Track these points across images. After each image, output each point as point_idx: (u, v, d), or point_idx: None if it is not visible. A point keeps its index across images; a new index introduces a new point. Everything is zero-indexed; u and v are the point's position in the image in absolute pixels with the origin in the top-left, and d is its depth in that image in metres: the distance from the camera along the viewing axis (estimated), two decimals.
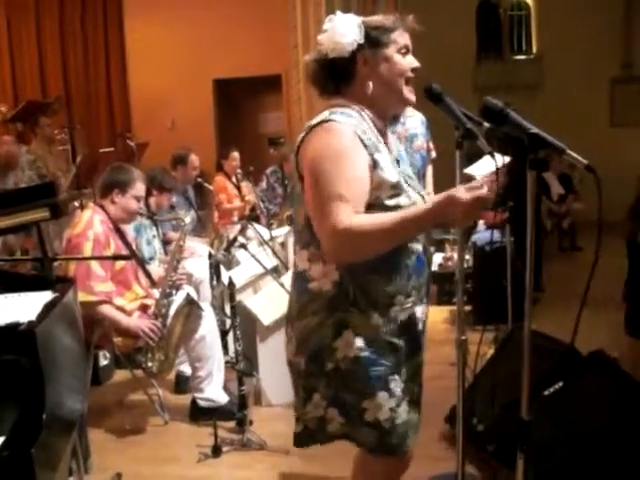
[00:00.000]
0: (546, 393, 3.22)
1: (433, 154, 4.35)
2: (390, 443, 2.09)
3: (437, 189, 4.59)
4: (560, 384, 3.25)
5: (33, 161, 6.93)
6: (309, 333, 2.07)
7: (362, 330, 2.02)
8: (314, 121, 2.03)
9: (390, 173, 2.03)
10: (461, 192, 1.88)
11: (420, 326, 2.18)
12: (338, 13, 2.09)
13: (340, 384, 2.05)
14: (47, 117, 7.62)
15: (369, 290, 2.03)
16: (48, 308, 2.30)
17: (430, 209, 1.92)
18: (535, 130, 1.75)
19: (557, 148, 1.74)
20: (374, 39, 2.06)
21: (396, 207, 2.01)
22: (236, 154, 7.26)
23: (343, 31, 2.03)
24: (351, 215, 1.91)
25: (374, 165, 1.99)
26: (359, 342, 2.02)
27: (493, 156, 2.05)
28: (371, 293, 2.03)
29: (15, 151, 6.74)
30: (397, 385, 2.07)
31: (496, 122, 1.88)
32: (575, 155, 1.73)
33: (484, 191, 1.88)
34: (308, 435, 2.15)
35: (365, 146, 1.99)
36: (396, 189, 2.03)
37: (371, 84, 2.07)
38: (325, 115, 2.02)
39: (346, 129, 1.98)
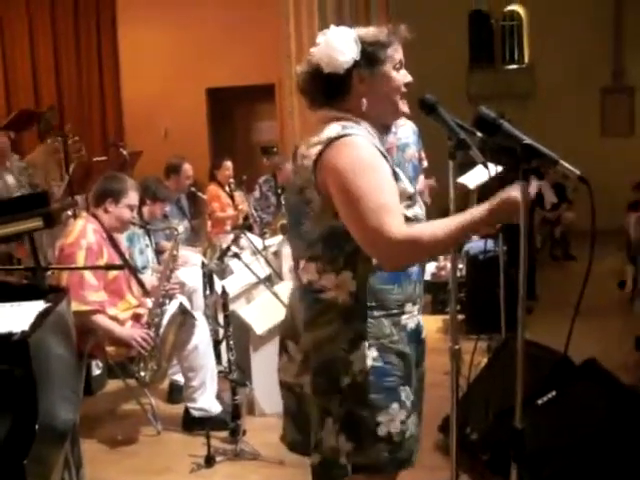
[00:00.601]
0: (539, 402, 3.23)
1: (425, 163, 4.36)
2: (401, 457, 2.07)
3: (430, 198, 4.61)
4: (553, 393, 3.26)
5: (24, 168, 6.90)
6: (320, 345, 2.03)
7: (376, 340, 2.01)
8: (327, 135, 1.98)
9: (407, 184, 2.04)
10: (514, 193, 1.90)
11: (423, 334, 2.19)
12: (332, 27, 2.06)
13: (355, 399, 2.00)
14: (57, 138, 7.52)
15: (382, 299, 2.02)
16: (41, 318, 2.30)
17: (489, 211, 1.92)
18: (528, 141, 1.76)
19: (550, 159, 1.75)
20: (371, 56, 2.03)
21: (415, 218, 2.01)
22: (229, 163, 7.26)
23: (340, 48, 1.99)
24: (402, 223, 1.89)
25: (395, 176, 2.00)
26: (374, 352, 2.00)
27: (486, 166, 2.06)
28: (384, 301, 2.02)
29: (3, 144, 6.67)
30: (407, 397, 2.06)
31: (489, 132, 1.89)
32: (568, 166, 1.74)
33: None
34: (326, 468, 2.07)
35: (385, 158, 1.99)
36: (411, 200, 2.03)
37: (365, 101, 2.05)
38: (338, 130, 1.98)
39: (367, 143, 1.97)
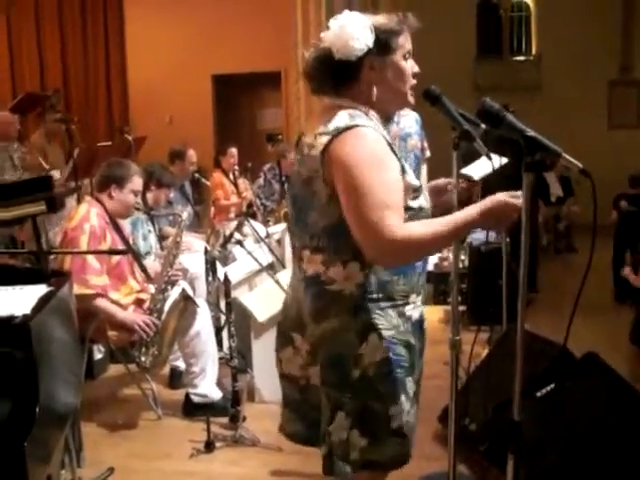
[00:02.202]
0: (539, 394, 3.23)
1: (427, 153, 4.36)
2: (407, 451, 2.08)
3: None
4: (553, 385, 3.26)
5: (27, 152, 6.91)
6: (329, 338, 2.02)
7: (385, 331, 2.00)
8: (335, 125, 1.95)
9: (412, 177, 2.02)
10: (509, 198, 1.91)
11: (425, 325, 2.19)
12: (346, 12, 2.02)
13: (367, 392, 2.00)
14: (54, 112, 7.58)
15: (389, 289, 2.02)
16: (43, 301, 2.31)
17: (481, 213, 1.91)
18: (532, 133, 1.75)
19: (553, 151, 1.74)
20: (383, 44, 2.00)
21: (420, 208, 2.01)
22: (234, 150, 7.25)
23: (355, 34, 1.95)
24: (402, 223, 1.88)
25: (402, 170, 1.97)
26: (383, 344, 1.99)
27: (490, 157, 2.06)
28: (391, 293, 2.02)
29: (11, 120, 6.69)
30: (411, 387, 2.06)
31: (493, 124, 1.88)
32: (570, 159, 1.73)
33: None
34: (333, 462, 2.07)
35: (393, 151, 1.97)
36: (417, 191, 2.02)
37: (377, 88, 2.03)
38: (346, 120, 1.95)
39: (376, 134, 1.95)
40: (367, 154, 1.90)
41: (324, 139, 1.95)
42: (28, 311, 2.17)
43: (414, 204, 2.00)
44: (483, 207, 1.92)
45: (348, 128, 1.93)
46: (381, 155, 1.92)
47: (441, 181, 2.44)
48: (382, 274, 2.00)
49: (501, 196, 1.93)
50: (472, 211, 1.93)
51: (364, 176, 1.87)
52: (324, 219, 1.99)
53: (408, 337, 2.04)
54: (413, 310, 2.08)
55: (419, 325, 2.11)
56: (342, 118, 1.97)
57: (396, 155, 1.98)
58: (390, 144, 1.99)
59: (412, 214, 1.97)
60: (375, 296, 2.00)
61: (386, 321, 2.00)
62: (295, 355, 2.13)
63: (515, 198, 1.93)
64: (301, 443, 2.27)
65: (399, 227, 1.85)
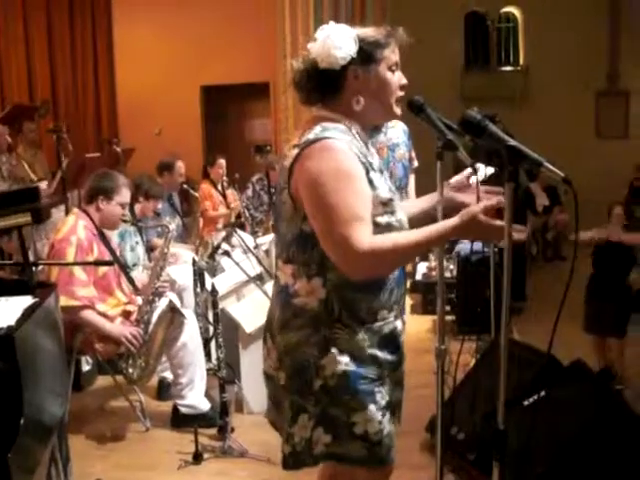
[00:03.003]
0: (526, 403, 3.24)
1: (415, 163, 4.38)
2: (380, 454, 2.09)
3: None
4: (540, 394, 3.27)
5: (16, 165, 6.90)
6: (292, 349, 2.05)
7: (347, 346, 2.01)
8: (306, 137, 1.98)
9: (382, 190, 2.03)
10: (481, 215, 1.88)
11: (401, 338, 2.18)
12: (331, 23, 2.06)
13: (329, 401, 2.03)
14: (32, 122, 7.58)
15: (354, 307, 2.02)
16: (28, 313, 2.30)
17: (452, 229, 1.91)
18: (513, 142, 1.76)
19: (535, 160, 1.75)
20: (367, 54, 2.03)
21: (388, 225, 2.01)
22: (222, 161, 7.26)
23: (338, 44, 1.99)
24: (370, 235, 1.90)
25: (370, 183, 1.98)
26: (345, 358, 2.01)
27: (474, 167, 2.07)
28: (356, 310, 2.02)
29: (1, 132, 6.68)
30: (383, 397, 2.07)
31: (475, 134, 1.89)
32: (552, 168, 1.74)
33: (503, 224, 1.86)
34: (296, 457, 2.11)
35: (362, 163, 1.98)
36: (387, 206, 2.02)
37: (362, 99, 2.05)
38: (317, 132, 1.98)
39: (345, 147, 1.96)
40: (333, 167, 1.92)
41: (294, 152, 1.99)
42: (12, 322, 2.17)
43: (381, 220, 2.00)
44: (455, 223, 1.92)
45: (316, 140, 1.96)
46: (347, 167, 1.94)
47: (461, 177, 2.39)
48: (346, 291, 2.01)
49: (475, 210, 1.90)
50: (444, 226, 1.94)
51: (330, 189, 1.89)
52: (291, 229, 2.03)
53: (374, 351, 2.05)
54: (383, 326, 2.08)
55: (390, 339, 2.11)
56: (315, 130, 2.00)
57: (366, 168, 1.99)
58: (361, 159, 1.99)
59: (378, 230, 1.97)
60: (337, 312, 2.01)
61: (349, 336, 2.02)
62: (269, 356, 2.17)
63: (488, 210, 1.90)
64: (277, 431, 2.28)
65: (365, 240, 1.88)
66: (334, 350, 2.01)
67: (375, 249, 1.88)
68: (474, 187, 2.20)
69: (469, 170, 2.33)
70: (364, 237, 1.88)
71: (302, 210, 1.97)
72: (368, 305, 2.04)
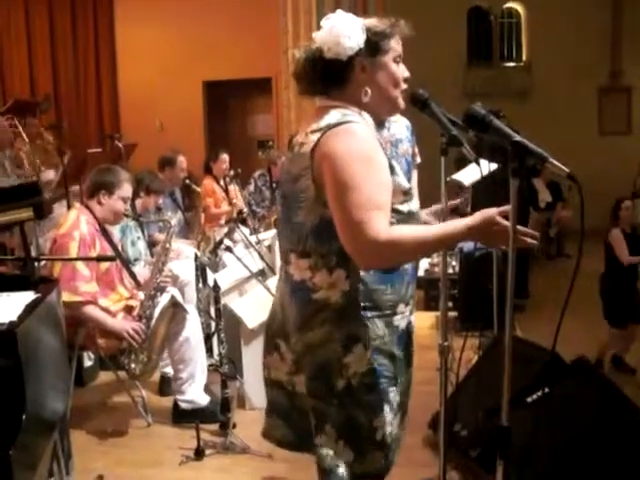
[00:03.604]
0: (529, 400, 3.23)
1: (418, 159, 4.36)
2: (391, 459, 2.06)
3: (422, 195, 4.60)
4: (543, 391, 3.26)
5: (14, 157, 6.88)
6: (314, 347, 1.99)
7: (370, 341, 1.97)
8: (327, 122, 1.93)
9: (403, 179, 1.99)
10: (498, 217, 1.85)
11: (413, 335, 2.16)
12: (339, 11, 2.00)
13: (353, 403, 1.98)
14: (34, 118, 7.57)
15: (375, 299, 1.98)
16: (30, 308, 2.29)
17: (468, 228, 1.86)
18: (518, 138, 1.74)
19: (540, 156, 1.73)
20: (374, 45, 1.99)
21: (409, 213, 1.99)
22: (225, 156, 7.23)
23: (347, 33, 1.93)
24: (388, 224, 1.85)
25: (391, 170, 1.95)
26: (368, 354, 1.96)
27: (478, 163, 2.05)
28: (379, 302, 1.98)
29: (6, 127, 6.67)
30: (395, 397, 2.04)
31: (479, 129, 1.87)
32: (557, 163, 1.72)
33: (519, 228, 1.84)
34: (324, 475, 2.05)
35: (383, 150, 1.95)
36: (407, 195, 1.99)
37: (369, 90, 2.00)
38: (338, 117, 1.93)
39: (367, 132, 1.92)
40: (357, 150, 1.87)
41: (315, 136, 1.93)
42: (14, 318, 2.16)
43: (403, 208, 1.97)
44: (472, 222, 1.87)
45: (339, 124, 1.91)
46: (372, 153, 1.89)
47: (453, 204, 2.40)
48: (369, 282, 1.96)
49: (492, 213, 1.86)
50: (461, 224, 1.88)
51: (353, 172, 1.84)
52: (310, 218, 1.96)
53: (392, 348, 2.02)
54: (401, 320, 2.04)
55: (406, 335, 2.08)
56: (334, 115, 1.95)
57: (387, 155, 1.96)
58: (381, 145, 1.96)
59: (401, 218, 1.95)
60: (361, 305, 1.96)
61: (372, 331, 1.97)
62: (281, 361, 2.11)
63: (506, 216, 1.86)
64: (289, 449, 2.25)
65: (383, 229, 1.82)
66: (359, 346, 1.95)
67: (394, 239, 1.82)
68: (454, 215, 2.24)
69: (455, 201, 2.34)
70: (382, 226, 1.82)
71: (324, 196, 1.90)
72: (390, 297, 2.00)
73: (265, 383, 2.22)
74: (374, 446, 2.01)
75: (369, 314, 1.97)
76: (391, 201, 1.92)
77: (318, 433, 2.02)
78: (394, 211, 1.93)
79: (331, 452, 2.00)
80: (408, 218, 1.98)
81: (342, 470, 2.01)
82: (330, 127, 1.91)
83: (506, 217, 1.85)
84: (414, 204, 2.03)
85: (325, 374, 1.98)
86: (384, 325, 2.00)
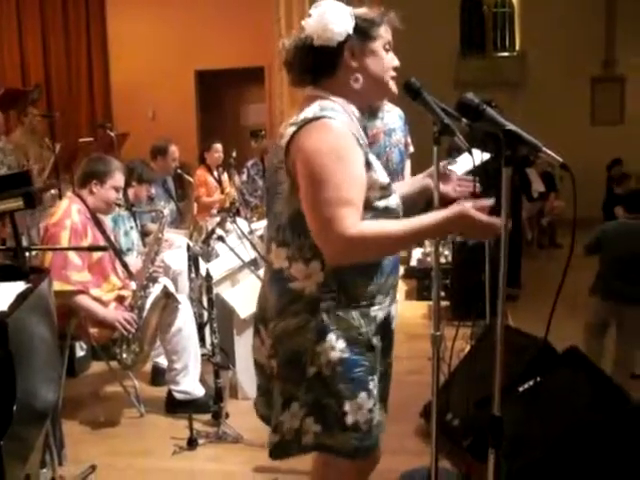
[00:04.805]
0: (521, 389, 3.24)
1: (411, 149, 4.37)
2: (368, 445, 2.07)
3: None
4: (535, 380, 3.27)
5: (11, 150, 6.85)
6: (288, 335, 2.02)
7: (344, 332, 1.98)
8: (304, 116, 1.94)
9: (381, 174, 2.00)
10: (472, 211, 1.87)
11: (393, 325, 2.17)
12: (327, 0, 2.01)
13: (322, 389, 2.00)
14: (35, 108, 7.54)
15: (352, 290, 2.00)
16: (20, 298, 2.28)
17: (442, 222, 1.88)
18: (511, 127, 1.74)
19: (533, 145, 1.73)
20: (363, 31, 2.00)
21: (386, 208, 1.98)
22: (218, 145, 7.23)
23: (334, 19, 1.95)
24: (359, 220, 1.87)
25: (367, 166, 1.95)
26: (341, 344, 1.98)
27: (471, 152, 2.05)
28: (355, 294, 2.00)
29: None
30: (374, 385, 2.05)
31: (472, 118, 1.87)
32: (550, 153, 1.72)
33: (497, 220, 1.86)
34: (284, 447, 2.09)
35: (360, 145, 1.95)
36: (385, 190, 1.99)
37: (360, 76, 2.02)
38: (316, 111, 1.94)
39: (343, 127, 1.92)
40: (329, 146, 1.88)
41: (292, 129, 1.94)
42: (5, 308, 2.15)
43: (380, 204, 1.98)
44: (447, 216, 1.89)
45: (315, 119, 1.92)
46: (344, 148, 1.90)
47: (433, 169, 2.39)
48: (345, 275, 1.98)
49: (467, 208, 1.88)
50: (436, 218, 1.90)
51: (323, 170, 1.86)
52: (287, 210, 1.99)
53: (370, 337, 2.03)
54: (379, 311, 2.06)
55: (384, 325, 2.09)
56: (313, 108, 1.96)
57: (364, 151, 1.96)
58: (359, 141, 1.96)
59: (376, 214, 1.95)
60: (336, 296, 1.98)
61: (346, 322, 1.99)
62: (262, 346, 2.15)
63: (482, 210, 1.89)
64: (269, 425, 2.27)
65: (353, 225, 1.84)
66: (332, 336, 1.97)
67: (364, 235, 1.85)
68: (449, 177, 2.29)
69: (444, 162, 2.34)
70: (351, 222, 1.84)
71: (299, 190, 1.93)
72: (366, 289, 2.01)
73: (253, 361, 2.26)
74: (343, 428, 2.02)
75: (344, 305, 1.99)
76: (368, 197, 1.93)
77: (283, 411, 2.05)
78: (370, 207, 1.95)
79: (297, 426, 2.04)
80: (384, 214, 1.98)
81: (307, 439, 2.05)
82: (306, 121, 1.93)
83: (491, 211, 1.85)
84: (393, 200, 2.03)
85: (296, 361, 2.01)
86: (359, 315, 2.01)
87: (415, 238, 1.98)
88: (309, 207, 1.90)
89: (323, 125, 1.91)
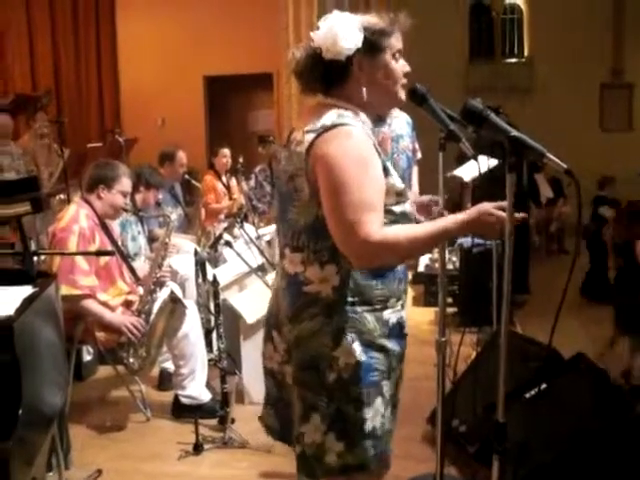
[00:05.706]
0: (527, 396, 3.23)
1: (418, 155, 4.37)
2: (382, 451, 2.07)
3: (422, 189, 4.61)
4: (541, 386, 3.26)
5: (22, 154, 6.90)
6: (304, 339, 2.02)
7: (360, 335, 1.99)
8: (322, 123, 1.95)
9: (397, 179, 2.01)
10: (491, 208, 1.91)
11: (406, 329, 2.17)
12: (336, 12, 2.02)
13: (342, 395, 1.99)
14: (45, 113, 7.57)
15: (366, 294, 2.00)
16: (27, 302, 2.29)
17: (463, 222, 1.92)
18: (515, 133, 1.74)
19: (537, 151, 1.73)
20: (372, 43, 2.00)
21: (403, 214, 2.00)
22: (226, 150, 7.24)
23: (344, 34, 1.95)
24: (382, 224, 1.88)
25: (385, 171, 1.97)
26: (358, 347, 1.98)
27: (476, 159, 2.05)
28: (369, 297, 2.01)
29: (9, 121, 6.68)
30: (388, 390, 2.06)
31: (476, 124, 1.87)
32: (555, 159, 1.72)
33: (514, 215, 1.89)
34: (307, 463, 2.08)
35: (377, 152, 1.97)
36: (401, 196, 2.01)
37: (369, 89, 2.02)
38: (334, 118, 1.95)
39: (362, 134, 1.94)
40: (351, 153, 1.89)
41: (310, 136, 1.95)
42: (12, 312, 2.16)
43: (397, 209, 1.99)
44: (468, 217, 1.92)
45: (334, 126, 1.93)
46: (365, 155, 1.91)
47: (425, 198, 2.45)
48: (359, 278, 1.99)
49: (487, 206, 1.92)
50: (456, 219, 1.93)
51: (346, 175, 1.87)
52: (304, 217, 1.99)
53: (384, 341, 2.03)
54: (392, 314, 2.06)
55: (398, 329, 2.10)
56: (330, 116, 1.96)
57: (380, 157, 1.97)
58: (375, 147, 1.97)
59: (393, 219, 1.97)
60: (351, 300, 1.99)
61: (361, 325, 1.99)
62: (274, 352, 2.15)
63: (501, 209, 1.92)
64: (275, 438, 2.29)
65: (375, 229, 1.85)
66: (348, 339, 1.98)
67: (387, 239, 1.86)
68: (431, 212, 2.35)
69: (429, 197, 2.36)
70: (375, 227, 1.85)
71: (318, 196, 1.93)
72: (381, 292, 2.02)
73: (263, 369, 2.25)
74: (364, 437, 2.02)
75: (358, 308, 2.00)
76: (385, 202, 1.94)
77: (304, 422, 2.04)
78: (387, 212, 1.96)
79: (319, 442, 2.02)
80: (401, 219, 1.99)
81: (330, 459, 2.03)
82: (325, 128, 1.93)
83: (502, 211, 1.87)
84: (408, 205, 2.05)
85: (315, 366, 2.00)
86: (374, 319, 2.02)
87: (438, 240, 2.00)
88: (332, 213, 1.90)
89: (343, 132, 1.92)
